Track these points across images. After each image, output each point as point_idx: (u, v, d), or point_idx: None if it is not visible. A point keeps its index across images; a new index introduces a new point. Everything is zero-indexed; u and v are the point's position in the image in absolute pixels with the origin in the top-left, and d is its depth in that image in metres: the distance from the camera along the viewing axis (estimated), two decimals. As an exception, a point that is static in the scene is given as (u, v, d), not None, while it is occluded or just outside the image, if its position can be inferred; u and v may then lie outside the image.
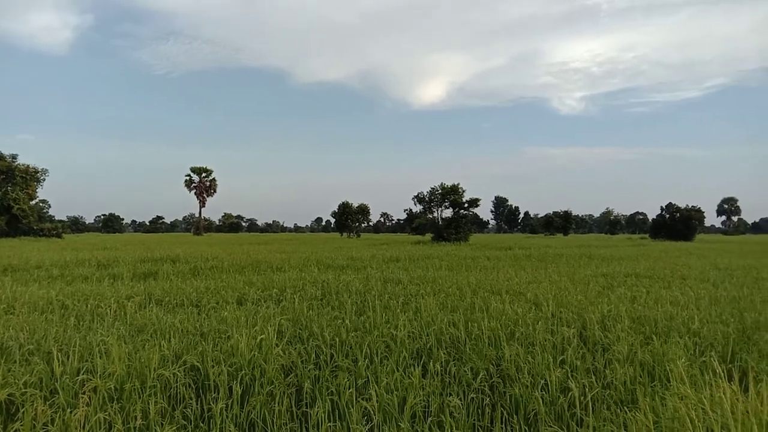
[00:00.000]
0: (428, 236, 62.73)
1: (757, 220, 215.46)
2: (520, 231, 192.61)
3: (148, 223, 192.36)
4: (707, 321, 8.28)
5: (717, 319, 8.54)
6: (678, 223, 77.69)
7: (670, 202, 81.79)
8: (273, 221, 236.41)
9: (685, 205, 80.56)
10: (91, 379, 5.12)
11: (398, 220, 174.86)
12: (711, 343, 7.00)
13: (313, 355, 6.26)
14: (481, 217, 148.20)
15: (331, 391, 5.16)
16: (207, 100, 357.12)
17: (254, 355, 5.84)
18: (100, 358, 5.72)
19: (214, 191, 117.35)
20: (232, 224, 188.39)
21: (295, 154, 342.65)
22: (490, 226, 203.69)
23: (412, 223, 66.44)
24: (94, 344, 6.29)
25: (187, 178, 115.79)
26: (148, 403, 4.79)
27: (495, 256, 26.20)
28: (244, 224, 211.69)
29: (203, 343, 6.53)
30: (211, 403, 4.96)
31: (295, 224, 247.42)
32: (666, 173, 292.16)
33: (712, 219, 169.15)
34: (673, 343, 6.67)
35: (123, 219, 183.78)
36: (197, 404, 5.03)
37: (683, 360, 5.71)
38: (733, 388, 4.06)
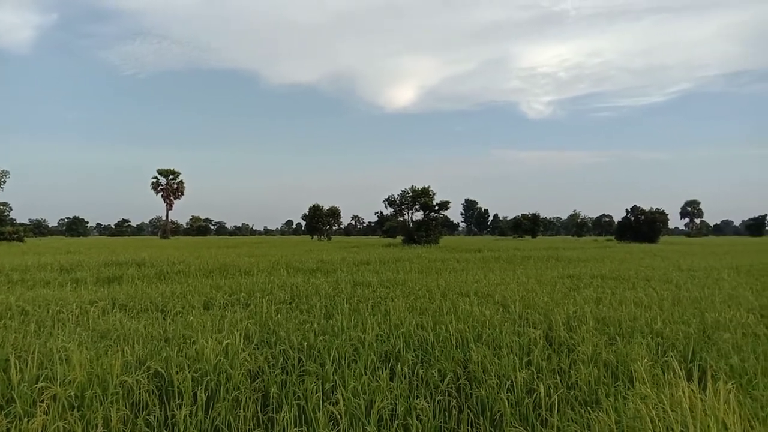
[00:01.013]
0: (399, 239, 62.85)
1: (719, 222, 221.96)
2: (489, 233, 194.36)
3: (113, 227, 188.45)
4: (669, 321, 8.47)
5: (679, 319, 8.73)
6: (643, 226, 79.28)
7: (635, 205, 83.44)
8: (242, 224, 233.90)
9: (649, 208, 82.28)
10: (50, 387, 4.98)
11: (369, 222, 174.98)
12: (673, 343, 7.15)
13: (281, 360, 6.21)
14: (451, 219, 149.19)
15: (298, 395, 5.12)
16: (175, 102, 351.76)
17: (220, 360, 5.75)
18: (61, 365, 5.56)
19: (182, 194, 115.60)
20: (200, 227, 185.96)
21: (265, 156, 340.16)
22: (460, 228, 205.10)
23: (383, 226, 66.62)
24: (55, 351, 6.12)
25: (154, 180, 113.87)
26: (110, 411, 4.69)
27: (465, 259, 26.38)
28: (212, 227, 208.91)
29: (168, 348, 6.42)
30: (175, 409, 4.87)
31: (265, 227, 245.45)
32: (631, 176, 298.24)
33: (675, 221, 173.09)
34: (636, 343, 6.80)
35: (88, 222, 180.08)
36: (161, 411, 4.94)
37: (646, 360, 5.82)
38: (692, 388, 4.15)
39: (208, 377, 5.40)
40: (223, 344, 6.15)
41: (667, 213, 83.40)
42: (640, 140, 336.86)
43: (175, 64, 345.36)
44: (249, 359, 6.03)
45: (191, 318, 8.57)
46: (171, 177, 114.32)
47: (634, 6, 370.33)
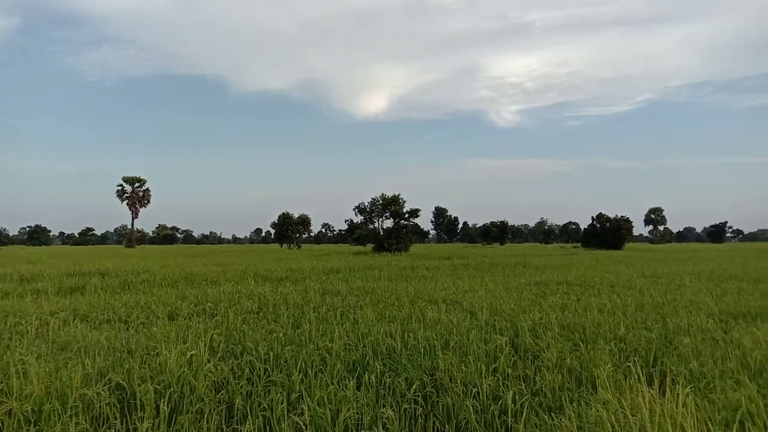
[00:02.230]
0: (369, 247, 62.78)
1: (681, 229, 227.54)
2: (459, 241, 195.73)
3: (77, 235, 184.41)
4: (632, 327, 8.63)
5: (642, 325, 8.91)
6: (608, 233, 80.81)
7: (600, 212, 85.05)
8: (210, 233, 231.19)
9: (614, 215, 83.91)
10: (5, 402, 4.83)
11: (340, 230, 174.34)
12: (635, 349, 7.29)
13: (247, 371, 6.13)
14: (421, 227, 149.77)
15: (264, 406, 5.07)
16: (143, 109, 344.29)
17: (184, 371, 5.66)
18: (18, 378, 5.40)
19: (148, 202, 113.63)
20: (166, 236, 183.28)
21: (234, 164, 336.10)
22: (430, 236, 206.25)
23: (353, 234, 66.29)
24: (11, 364, 5.93)
25: (120, 188, 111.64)
26: (69, 425, 4.57)
27: (434, 266, 26.49)
28: (179, 236, 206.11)
29: (131, 360, 6.28)
30: (137, 422, 4.76)
31: (234, 235, 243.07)
32: (597, 184, 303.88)
33: (640, 228, 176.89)
34: (600, 349, 6.92)
35: (50, 231, 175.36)
36: (122, 424, 4.83)
37: (609, 365, 5.92)
38: (652, 392, 4.24)
39: (172, 389, 5.30)
40: (188, 355, 6.06)
41: (631, 220, 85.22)
42: (606, 149, 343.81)
43: (142, 70, 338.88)
44: (214, 370, 5.94)
45: (155, 329, 8.41)
46: (137, 185, 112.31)
47: (601, 18, 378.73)
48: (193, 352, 6.14)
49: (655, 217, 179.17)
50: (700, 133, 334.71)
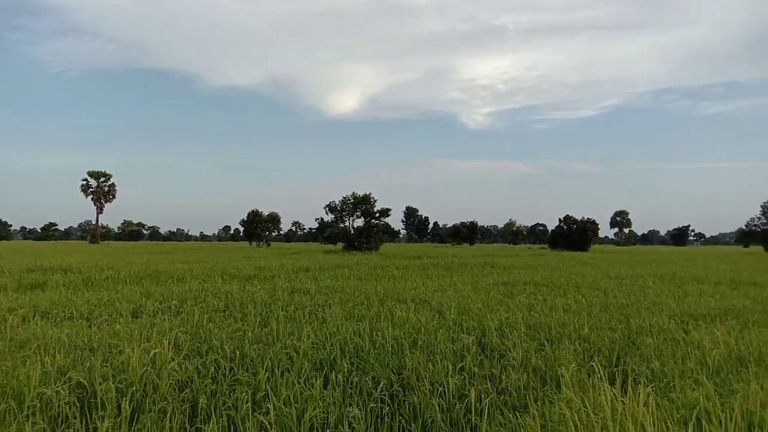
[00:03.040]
0: (340, 245, 62.65)
1: (646, 232, 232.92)
2: (429, 240, 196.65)
3: (39, 230, 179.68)
4: (597, 327, 8.78)
5: (606, 325, 9.07)
6: (575, 234, 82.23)
7: (567, 215, 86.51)
8: (177, 229, 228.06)
9: (581, 217, 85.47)
10: (-43, 402, 4.67)
11: (310, 229, 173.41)
12: (599, 348, 7.43)
13: (212, 369, 6.04)
14: (392, 226, 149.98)
15: (228, 405, 5.00)
16: (109, 102, 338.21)
17: (147, 370, 5.55)
18: (-29, 377, 5.23)
19: (113, 197, 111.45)
20: (132, 232, 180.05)
21: (203, 160, 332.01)
22: (401, 235, 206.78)
23: (324, 233, 66.07)
24: (-35, 363, 5.75)
25: (84, 182, 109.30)
26: (25, 425, 4.44)
27: (404, 266, 26.55)
28: (145, 232, 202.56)
29: (92, 358, 6.14)
30: (97, 422, 4.65)
31: (201, 233, 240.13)
32: (565, 187, 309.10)
33: (605, 230, 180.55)
34: (564, 348, 7.02)
35: (11, 225, 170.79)
36: (81, 424, 4.71)
37: (573, 365, 6.01)
38: (614, 391, 4.31)
39: (134, 388, 5.19)
40: (151, 354, 5.94)
41: (597, 223, 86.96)
42: (573, 152, 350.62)
43: (108, 63, 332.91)
44: (178, 369, 5.84)
45: (118, 326, 8.24)
46: (102, 179, 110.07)
47: (570, 23, 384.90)
48: (156, 350, 6.03)
49: (620, 219, 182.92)
50: (665, 138, 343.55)
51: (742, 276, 21.39)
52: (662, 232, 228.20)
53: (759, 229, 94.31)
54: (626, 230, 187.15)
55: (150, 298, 12.26)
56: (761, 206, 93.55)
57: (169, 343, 6.70)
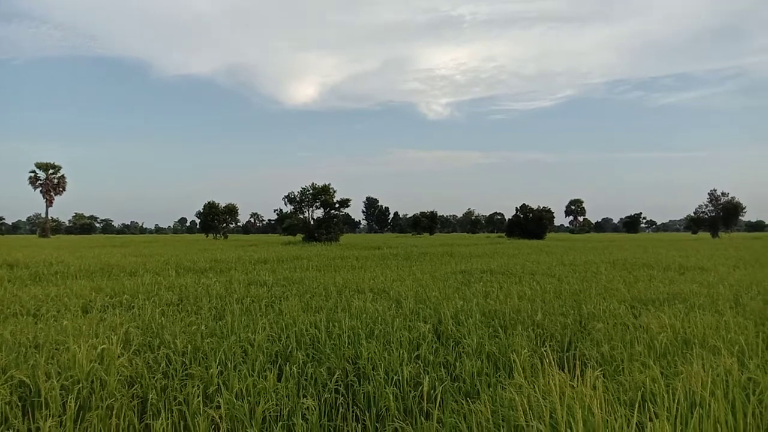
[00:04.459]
0: (299, 237, 62.26)
1: (600, 220, 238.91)
2: (390, 231, 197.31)
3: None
4: (550, 313, 8.95)
5: (559, 311, 9.25)
6: (531, 223, 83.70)
7: (524, 203, 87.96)
8: (131, 222, 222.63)
9: (537, 206, 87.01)
10: None
11: (269, 220, 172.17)
12: (552, 334, 7.57)
13: (163, 364, 5.90)
14: (352, 217, 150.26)
15: (179, 401, 4.89)
16: (57, 91, 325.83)
17: (94, 366, 5.38)
18: None
19: (63, 189, 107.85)
20: (83, 225, 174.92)
21: (157, 150, 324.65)
22: (361, 226, 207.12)
23: (283, 224, 65.51)
24: None
25: (32, 174, 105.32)
26: (-38, 428, 4.24)
27: (364, 256, 26.56)
28: (98, 225, 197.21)
29: (37, 355, 5.91)
30: (39, 421, 4.48)
31: (156, 225, 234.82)
32: (522, 176, 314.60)
33: (561, 219, 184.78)
34: (518, 335, 7.13)
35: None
36: (24, 424, 4.53)
37: (526, 350, 6.11)
38: (563, 375, 4.39)
39: (80, 385, 5.03)
40: (99, 349, 5.77)
41: (553, 211, 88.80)
42: (530, 142, 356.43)
43: (56, 50, 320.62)
44: (127, 365, 5.69)
45: (66, 322, 7.96)
46: (51, 171, 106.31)
47: (526, 14, 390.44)
48: (104, 346, 5.85)
49: (575, 208, 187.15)
50: (618, 128, 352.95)
51: (690, 261, 22.14)
52: (615, 220, 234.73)
53: (706, 216, 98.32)
54: (581, 218, 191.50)
55: (101, 292, 11.92)
56: (708, 194, 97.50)
57: (119, 338, 6.55)
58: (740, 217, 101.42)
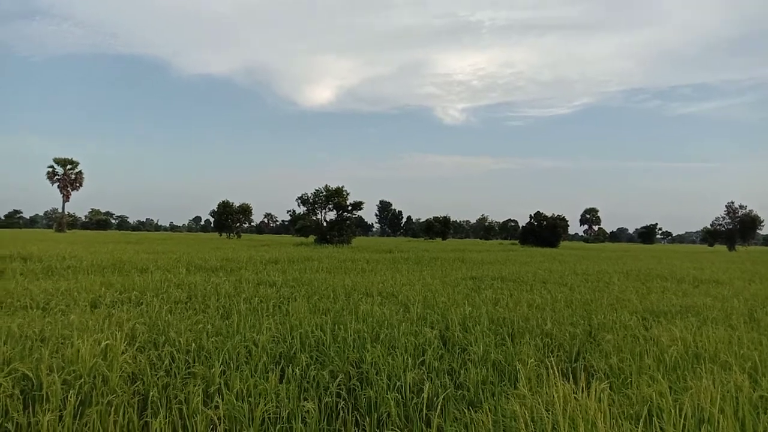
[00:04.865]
0: (312, 238, 62.39)
1: (615, 230, 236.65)
2: (402, 235, 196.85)
3: (3, 218, 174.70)
4: (559, 322, 8.83)
5: (569, 320, 9.13)
6: (545, 231, 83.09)
7: (538, 211, 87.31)
8: (146, 219, 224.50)
9: (551, 214, 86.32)
10: None
11: (282, 221, 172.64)
12: (560, 344, 7.46)
13: (167, 362, 5.89)
14: (365, 220, 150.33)
15: (180, 399, 4.86)
16: (76, 88, 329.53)
17: (97, 362, 5.37)
18: None
19: (80, 185, 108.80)
20: (99, 221, 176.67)
21: (174, 149, 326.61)
22: (374, 229, 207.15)
23: (296, 225, 65.66)
24: None
25: (50, 169, 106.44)
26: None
27: (374, 259, 26.51)
28: (113, 222, 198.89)
29: (42, 349, 5.92)
30: (39, 414, 4.47)
31: (171, 223, 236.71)
32: (536, 183, 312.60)
33: (575, 227, 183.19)
34: (525, 343, 7.03)
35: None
36: (24, 417, 4.53)
37: (532, 360, 6.01)
38: (567, 387, 4.30)
39: (82, 380, 5.02)
40: (102, 345, 5.76)
41: (567, 219, 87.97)
42: (546, 149, 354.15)
43: (77, 47, 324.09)
44: (130, 361, 5.68)
45: (73, 317, 7.99)
46: (69, 167, 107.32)
47: (544, 21, 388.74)
48: (108, 341, 5.85)
49: (590, 217, 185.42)
50: (635, 137, 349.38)
51: (705, 274, 21.83)
52: (630, 230, 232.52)
53: (723, 229, 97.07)
54: (595, 227, 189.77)
55: (110, 288, 11.97)
56: (726, 206, 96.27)
57: (125, 334, 6.55)
58: (758, 231, 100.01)
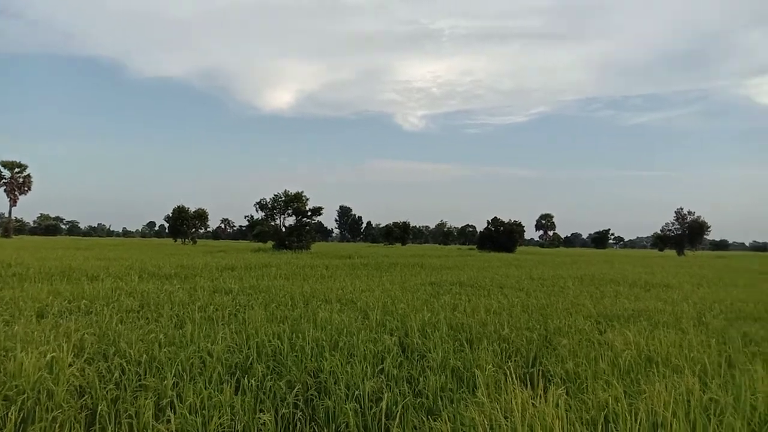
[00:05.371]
0: (270, 244, 61.72)
1: (569, 235, 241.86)
2: (362, 240, 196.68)
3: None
4: (516, 327, 8.91)
5: (525, 325, 9.22)
6: (502, 236, 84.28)
7: (495, 217, 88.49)
8: (98, 224, 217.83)
9: (508, 220, 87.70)
10: None
11: (240, 226, 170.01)
12: (518, 349, 7.52)
13: (117, 374, 5.67)
14: (325, 225, 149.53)
15: (130, 413, 4.68)
16: (25, 89, 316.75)
17: (42, 375, 5.14)
18: None
19: (29, 189, 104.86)
20: (49, 226, 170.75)
21: (128, 152, 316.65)
22: (334, 234, 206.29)
23: (254, 230, 64.90)
24: None
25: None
26: None
27: (334, 265, 26.35)
28: (63, 227, 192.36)
29: (-19, 364, 5.63)
30: (-23, 435, 4.24)
31: (124, 228, 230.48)
32: (494, 190, 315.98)
33: (531, 233, 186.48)
34: (483, 349, 7.06)
35: None
36: (-40, 438, 4.28)
37: (490, 366, 6.04)
38: (526, 393, 4.32)
39: (25, 395, 4.79)
40: (48, 357, 5.51)
41: (523, 225, 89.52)
42: (504, 157, 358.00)
43: (27, 47, 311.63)
44: (77, 374, 5.45)
45: (17, 328, 7.64)
46: (16, 170, 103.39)
47: (504, 30, 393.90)
48: (53, 354, 5.60)
49: (545, 222, 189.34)
50: (589, 146, 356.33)
51: (656, 278, 22.49)
52: (584, 235, 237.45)
53: (672, 234, 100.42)
54: (550, 233, 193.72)
55: (58, 296, 11.53)
56: (675, 212, 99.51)
57: (74, 345, 6.30)
58: (705, 236, 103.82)
